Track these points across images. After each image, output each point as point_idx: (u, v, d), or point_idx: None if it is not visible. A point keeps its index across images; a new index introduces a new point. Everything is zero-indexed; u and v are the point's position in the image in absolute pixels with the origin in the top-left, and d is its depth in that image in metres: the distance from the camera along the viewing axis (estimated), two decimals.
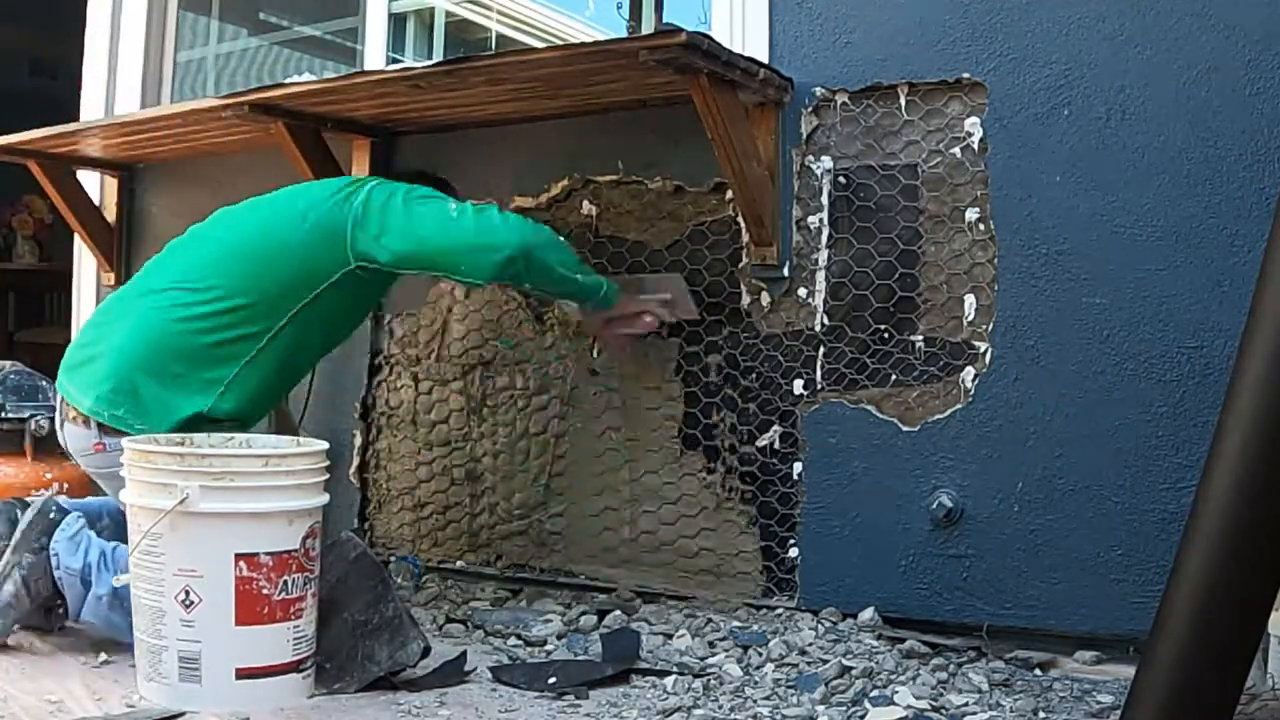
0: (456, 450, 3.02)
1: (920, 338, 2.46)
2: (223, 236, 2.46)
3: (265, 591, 1.91)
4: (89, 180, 3.74)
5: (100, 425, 2.29)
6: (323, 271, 2.39)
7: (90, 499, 2.50)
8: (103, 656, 2.15)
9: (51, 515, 2.19)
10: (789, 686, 2.07)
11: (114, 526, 2.29)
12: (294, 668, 1.96)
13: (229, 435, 2.23)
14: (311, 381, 3.26)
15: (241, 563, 1.90)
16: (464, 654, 2.18)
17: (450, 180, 2.75)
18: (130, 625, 2.14)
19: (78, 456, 2.41)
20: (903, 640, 2.30)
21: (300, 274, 2.38)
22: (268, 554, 1.92)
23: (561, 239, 2.53)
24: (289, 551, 1.94)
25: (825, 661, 2.17)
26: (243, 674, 1.91)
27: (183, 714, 1.87)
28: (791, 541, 2.57)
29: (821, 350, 2.56)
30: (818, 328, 2.56)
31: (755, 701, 2.00)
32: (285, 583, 1.93)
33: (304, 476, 2.00)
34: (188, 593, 1.90)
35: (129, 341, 2.32)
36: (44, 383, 3.29)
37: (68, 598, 2.16)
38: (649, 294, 2.66)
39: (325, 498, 2.04)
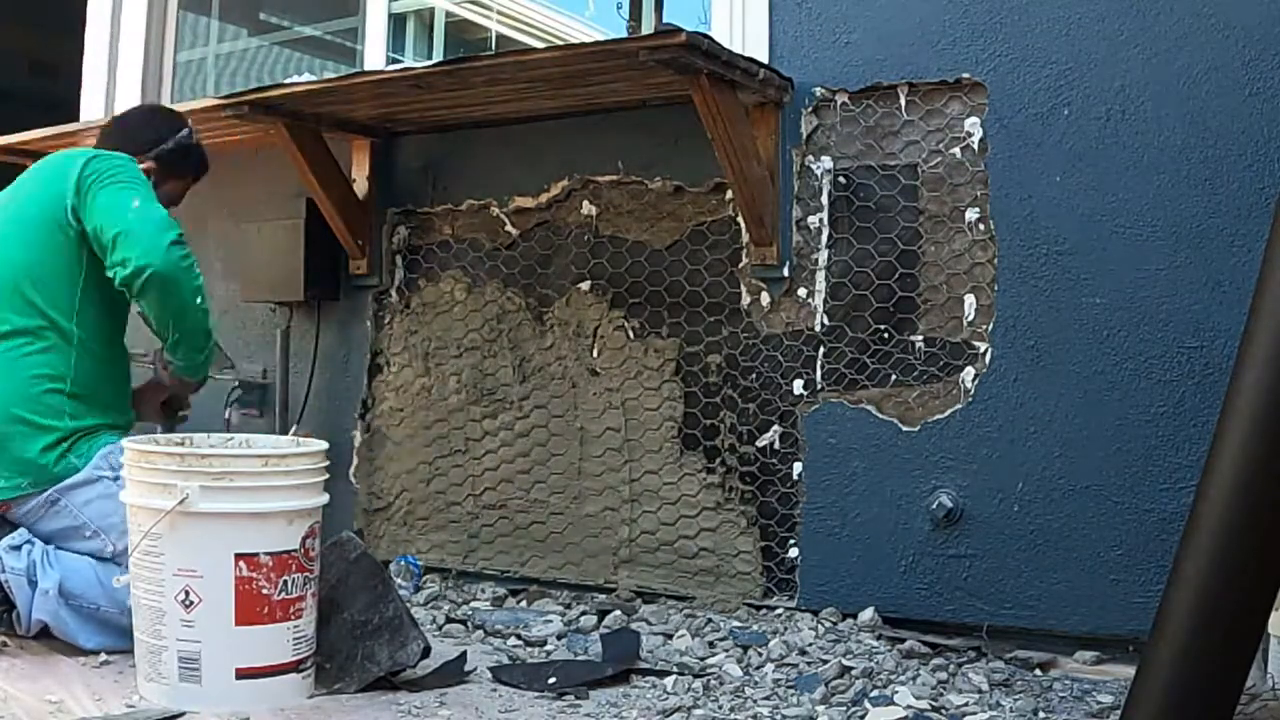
0: (456, 450, 3.02)
1: (920, 338, 2.46)
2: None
3: (265, 591, 1.91)
4: None
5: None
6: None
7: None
8: (103, 657, 2.15)
9: None
10: (789, 686, 2.07)
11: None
12: (294, 668, 1.96)
13: (229, 435, 2.23)
14: (311, 380, 3.26)
15: (241, 563, 1.90)
16: (464, 654, 2.18)
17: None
18: (77, 624, 2.17)
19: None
20: (903, 640, 2.30)
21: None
22: (268, 554, 1.92)
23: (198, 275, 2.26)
24: (289, 551, 1.94)
25: (825, 661, 2.17)
26: (243, 674, 1.91)
27: (183, 714, 1.87)
28: (791, 541, 2.57)
29: (821, 350, 2.55)
30: (818, 328, 2.56)
31: (755, 701, 2.00)
32: (285, 583, 1.93)
33: (304, 476, 2.00)
34: (187, 593, 1.90)
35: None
36: None
37: (17, 600, 2.16)
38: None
39: (325, 498, 2.04)
